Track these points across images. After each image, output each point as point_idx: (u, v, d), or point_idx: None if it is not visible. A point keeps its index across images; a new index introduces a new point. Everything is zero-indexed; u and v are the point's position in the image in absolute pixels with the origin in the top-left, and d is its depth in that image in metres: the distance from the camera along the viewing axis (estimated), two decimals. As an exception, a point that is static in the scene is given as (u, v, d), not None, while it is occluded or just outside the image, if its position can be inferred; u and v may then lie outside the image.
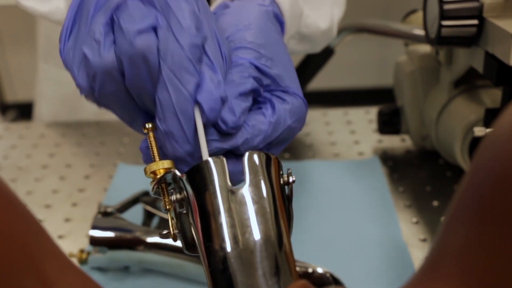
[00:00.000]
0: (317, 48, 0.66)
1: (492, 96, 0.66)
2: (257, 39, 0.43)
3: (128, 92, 0.39)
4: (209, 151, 0.39)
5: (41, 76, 1.00)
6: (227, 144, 0.40)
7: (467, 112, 0.65)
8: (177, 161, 0.39)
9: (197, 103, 0.38)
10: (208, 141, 0.39)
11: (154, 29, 0.38)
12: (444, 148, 0.71)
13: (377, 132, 0.80)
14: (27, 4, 0.67)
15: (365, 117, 0.91)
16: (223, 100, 0.39)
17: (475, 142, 0.64)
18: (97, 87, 0.38)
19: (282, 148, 0.46)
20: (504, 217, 0.27)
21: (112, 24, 0.38)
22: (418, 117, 0.74)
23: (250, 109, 0.41)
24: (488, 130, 0.55)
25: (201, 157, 0.38)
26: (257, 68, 0.42)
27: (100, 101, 0.40)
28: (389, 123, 0.78)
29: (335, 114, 0.93)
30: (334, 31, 0.65)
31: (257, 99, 0.42)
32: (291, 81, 0.44)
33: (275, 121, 0.42)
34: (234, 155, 0.41)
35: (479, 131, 0.56)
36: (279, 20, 0.49)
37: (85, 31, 0.39)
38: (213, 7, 0.50)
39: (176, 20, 0.38)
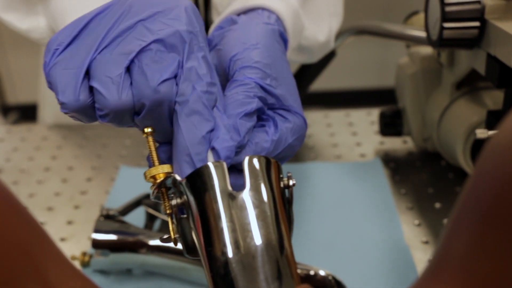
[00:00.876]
0: (314, 58, 0.67)
1: (494, 98, 0.66)
2: (263, 58, 0.44)
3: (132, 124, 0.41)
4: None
5: (43, 78, 1.00)
6: (231, 161, 0.41)
7: (469, 114, 0.65)
8: None
9: (213, 149, 0.39)
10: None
11: (175, 76, 0.39)
12: (446, 150, 0.71)
13: (379, 133, 0.79)
14: (7, 18, 0.66)
15: (367, 118, 0.90)
16: (237, 147, 0.40)
17: (477, 144, 0.63)
18: (106, 120, 0.40)
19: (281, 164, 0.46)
20: (508, 223, 0.27)
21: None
22: (420, 119, 0.74)
23: (253, 127, 0.43)
24: (490, 132, 0.55)
25: None
26: (262, 87, 0.43)
27: (86, 114, 0.41)
28: (390, 124, 0.78)
29: (337, 116, 0.93)
30: (331, 43, 0.66)
31: (260, 116, 0.44)
32: (294, 100, 0.45)
33: (277, 139, 0.43)
34: (236, 169, 0.41)
35: (481, 133, 0.56)
36: (284, 38, 0.50)
37: (90, 57, 0.39)
38: (218, 20, 0.50)
39: (194, 69, 0.40)
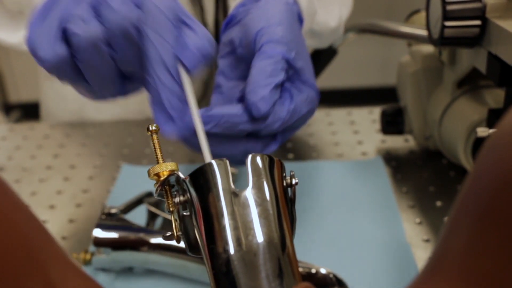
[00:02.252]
0: (325, 44, 0.72)
1: (496, 96, 0.66)
2: (287, 34, 0.49)
3: (109, 59, 0.45)
4: (236, 130, 0.48)
5: (42, 76, 1.00)
6: (252, 127, 0.48)
7: (470, 113, 0.65)
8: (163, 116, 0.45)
9: (179, 60, 0.44)
10: (238, 124, 0.47)
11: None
12: (448, 148, 0.71)
13: (381, 132, 0.80)
14: None
15: (369, 117, 0.91)
16: (205, 57, 0.46)
17: (478, 142, 0.64)
18: (80, 55, 0.44)
19: (293, 133, 0.55)
20: (507, 220, 0.27)
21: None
22: (421, 117, 0.74)
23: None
24: (491, 130, 0.55)
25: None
26: (287, 61, 0.48)
27: (66, 73, 0.46)
28: (392, 123, 0.78)
29: (339, 114, 0.93)
30: (341, 30, 0.72)
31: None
32: (310, 73, 0.51)
33: (292, 109, 0.48)
34: (254, 137, 0.50)
35: (482, 131, 0.56)
36: (300, 19, 0.55)
37: (60, 13, 0.44)
38: None
39: None
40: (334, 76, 1.71)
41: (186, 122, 0.44)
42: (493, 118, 0.59)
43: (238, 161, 0.51)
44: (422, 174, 0.74)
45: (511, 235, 0.26)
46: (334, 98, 2.55)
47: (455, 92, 0.69)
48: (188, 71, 0.44)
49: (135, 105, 0.96)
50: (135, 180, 0.73)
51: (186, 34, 0.45)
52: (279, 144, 0.56)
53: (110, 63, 0.45)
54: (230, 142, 0.50)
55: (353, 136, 0.85)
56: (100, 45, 0.43)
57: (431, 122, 0.73)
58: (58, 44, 0.43)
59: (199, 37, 0.45)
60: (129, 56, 0.45)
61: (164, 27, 0.43)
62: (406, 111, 0.76)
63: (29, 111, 2.58)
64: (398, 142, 0.82)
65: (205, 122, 0.46)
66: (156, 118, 0.45)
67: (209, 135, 0.46)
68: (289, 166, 0.76)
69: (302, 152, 0.82)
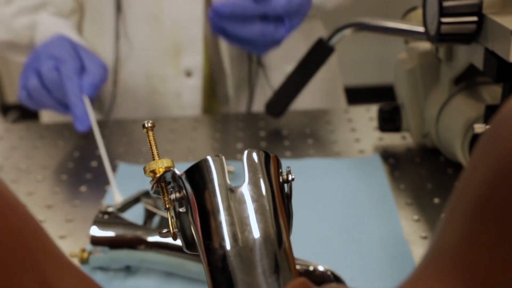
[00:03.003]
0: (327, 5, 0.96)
1: (493, 93, 0.66)
2: None
3: (48, 95, 0.84)
4: (249, 13, 0.77)
5: None
6: (259, 9, 0.70)
7: (468, 109, 0.65)
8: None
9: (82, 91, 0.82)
10: (246, 7, 0.75)
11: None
12: (445, 145, 0.71)
13: (378, 129, 0.79)
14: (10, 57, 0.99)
15: (366, 115, 0.90)
16: (97, 85, 0.84)
17: (476, 139, 0.63)
18: (33, 95, 0.85)
19: (301, 19, 0.81)
20: (502, 213, 0.27)
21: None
22: (419, 115, 0.74)
23: None
24: (488, 127, 0.55)
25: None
26: None
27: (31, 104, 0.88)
28: (389, 120, 0.78)
29: (336, 112, 0.93)
30: None
31: None
32: None
33: None
34: (265, 19, 0.75)
35: (480, 128, 0.56)
36: None
37: (23, 75, 0.87)
38: None
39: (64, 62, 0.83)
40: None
41: (88, 124, 0.81)
42: (490, 114, 0.59)
43: (258, 45, 0.81)
44: (420, 172, 0.74)
45: (507, 228, 0.26)
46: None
47: (452, 89, 0.69)
48: (88, 95, 0.82)
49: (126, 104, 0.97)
50: (131, 179, 0.73)
51: (86, 71, 0.84)
52: (289, 30, 0.80)
53: (49, 98, 0.84)
54: (248, 24, 0.77)
55: (350, 134, 0.85)
56: (40, 89, 0.83)
57: (428, 119, 0.73)
58: (22, 91, 0.86)
59: (92, 73, 0.84)
60: (58, 92, 0.83)
61: (72, 72, 0.82)
62: (403, 108, 0.76)
63: (27, 112, 2.57)
64: (395, 140, 0.82)
65: (224, 10, 0.76)
66: (73, 122, 0.82)
67: (232, 20, 0.77)
68: (286, 163, 0.76)
69: (299, 149, 0.82)
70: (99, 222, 0.56)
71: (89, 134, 0.88)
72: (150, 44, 0.93)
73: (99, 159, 0.81)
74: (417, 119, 0.75)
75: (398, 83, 0.79)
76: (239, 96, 0.99)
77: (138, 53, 0.94)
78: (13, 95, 2.76)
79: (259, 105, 0.97)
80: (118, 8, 0.91)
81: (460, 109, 0.67)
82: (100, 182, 0.75)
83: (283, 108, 0.86)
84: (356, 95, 2.74)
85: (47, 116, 1.03)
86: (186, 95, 0.95)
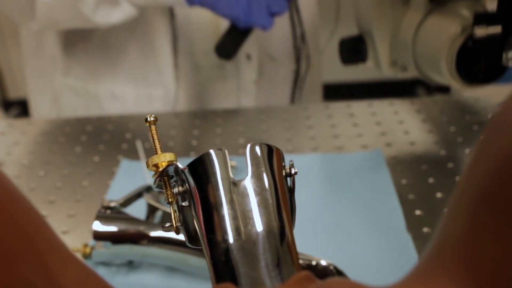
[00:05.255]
0: None
1: (469, 7, 0.64)
2: None
3: None
4: None
5: (30, 74, 1.01)
6: None
7: (448, 24, 0.63)
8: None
9: None
10: None
11: None
12: (425, 67, 0.68)
13: (341, 63, 0.76)
14: None
15: (368, 109, 0.90)
16: None
17: (462, 53, 0.61)
18: None
19: None
20: (505, 205, 0.26)
21: None
22: (387, 41, 0.71)
23: None
24: (489, 28, 0.53)
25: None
26: None
27: None
28: (353, 51, 0.74)
29: (338, 107, 0.93)
30: None
31: None
32: None
33: None
34: None
35: (480, 31, 0.54)
36: None
37: None
38: None
39: None
40: (332, 70, 1.71)
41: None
42: (480, 22, 0.56)
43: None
44: (422, 166, 0.74)
45: (508, 221, 0.26)
46: (332, 92, 2.55)
47: (427, 7, 0.66)
48: None
49: (130, 102, 0.96)
50: (134, 175, 0.73)
51: None
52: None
53: None
54: None
55: (352, 129, 0.85)
56: None
57: (401, 44, 0.69)
58: None
59: None
60: None
61: None
62: (369, 37, 0.73)
63: (29, 108, 2.58)
64: (397, 135, 0.82)
65: None
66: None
67: None
68: (288, 158, 0.76)
69: (301, 144, 0.81)
70: (102, 217, 0.56)
71: (89, 131, 0.88)
72: (191, 21, 0.93)
73: (101, 154, 0.81)
74: (386, 47, 0.71)
75: (362, 12, 0.75)
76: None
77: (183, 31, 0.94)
78: (14, 91, 2.76)
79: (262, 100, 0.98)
80: None
81: (440, 26, 0.64)
82: (102, 177, 0.75)
83: (234, 49, 0.86)
84: (357, 90, 2.74)
85: (44, 112, 1.03)
86: (228, 66, 0.96)
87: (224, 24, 0.91)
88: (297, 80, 1.00)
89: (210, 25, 0.93)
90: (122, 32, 0.92)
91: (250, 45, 0.93)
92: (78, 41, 0.95)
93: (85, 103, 0.98)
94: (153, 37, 0.91)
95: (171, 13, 0.89)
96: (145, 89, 0.95)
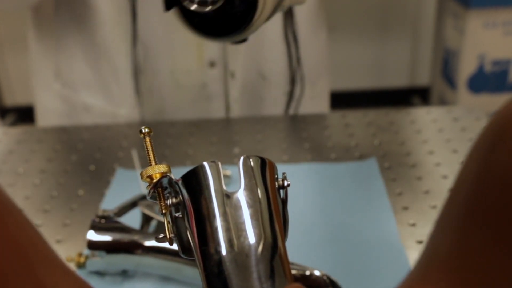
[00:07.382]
0: None
1: None
2: None
3: None
4: None
5: (35, 81, 1.01)
6: None
7: None
8: None
9: None
10: None
11: None
12: None
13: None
14: None
15: (363, 120, 0.91)
16: None
17: None
18: None
19: None
20: (491, 220, 0.27)
21: None
22: None
23: None
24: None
25: None
26: None
27: None
28: None
29: (333, 117, 0.93)
30: None
31: None
32: None
33: None
34: None
35: None
36: None
37: None
38: None
39: None
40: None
41: None
42: None
43: None
44: (416, 176, 0.74)
45: (498, 232, 0.27)
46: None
47: None
48: None
49: (127, 109, 0.96)
50: (129, 184, 0.73)
51: None
52: None
53: None
54: None
55: (347, 139, 0.85)
56: None
57: None
58: None
59: None
60: None
61: None
62: None
63: (24, 115, 2.58)
64: (392, 144, 0.82)
65: None
66: None
67: None
68: (283, 168, 0.77)
69: (296, 154, 0.82)
70: (96, 227, 0.56)
71: (85, 139, 0.89)
72: (172, 40, 0.91)
73: (96, 162, 0.81)
74: None
75: None
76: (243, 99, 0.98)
77: (161, 52, 0.92)
78: (11, 98, 2.76)
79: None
80: (134, 12, 0.87)
81: None
82: (97, 186, 0.75)
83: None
84: (352, 100, 2.75)
85: (44, 121, 1.03)
86: (211, 85, 0.94)
87: (207, 45, 0.89)
88: (290, 102, 0.97)
89: (191, 44, 0.91)
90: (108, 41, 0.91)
91: (234, 62, 0.92)
92: (71, 42, 0.93)
93: (67, 110, 0.97)
94: (114, 59, 0.91)
95: (133, 34, 0.88)
96: (111, 107, 0.95)
